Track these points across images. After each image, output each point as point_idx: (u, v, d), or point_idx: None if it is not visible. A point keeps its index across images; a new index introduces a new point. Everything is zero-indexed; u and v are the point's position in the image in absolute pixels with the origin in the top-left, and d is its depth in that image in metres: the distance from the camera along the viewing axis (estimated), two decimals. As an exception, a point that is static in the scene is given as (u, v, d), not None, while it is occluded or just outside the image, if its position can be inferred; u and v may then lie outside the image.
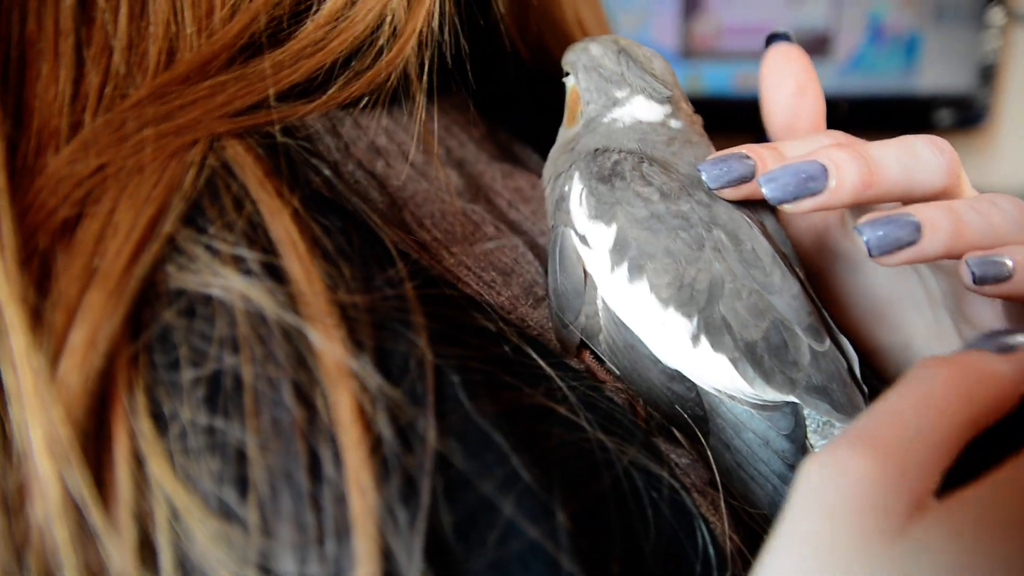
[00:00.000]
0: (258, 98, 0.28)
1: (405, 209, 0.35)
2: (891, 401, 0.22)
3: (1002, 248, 0.27)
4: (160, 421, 0.22)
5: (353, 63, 0.30)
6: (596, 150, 0.31)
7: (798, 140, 0.31)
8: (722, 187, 0.29)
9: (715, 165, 0.29)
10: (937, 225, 0.27)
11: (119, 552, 0.21)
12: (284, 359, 0.22)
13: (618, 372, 0.31)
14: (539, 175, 0.44)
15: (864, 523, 0.20)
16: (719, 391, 0.29)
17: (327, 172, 0.29)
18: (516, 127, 0.46)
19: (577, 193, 0.31)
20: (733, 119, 0.83)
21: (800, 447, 0.29)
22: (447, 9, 0.31)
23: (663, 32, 1.12)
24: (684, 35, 1.12)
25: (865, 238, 0.27)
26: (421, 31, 0.30)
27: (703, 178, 0.29)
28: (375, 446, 0.22)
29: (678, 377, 0.29)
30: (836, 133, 0.31)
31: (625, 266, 0.29)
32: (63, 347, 0.22)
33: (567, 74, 0.34)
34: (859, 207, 0.32)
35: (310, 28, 0.29)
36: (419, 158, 0.37)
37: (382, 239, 0.27)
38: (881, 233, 0.27)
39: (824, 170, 0.27)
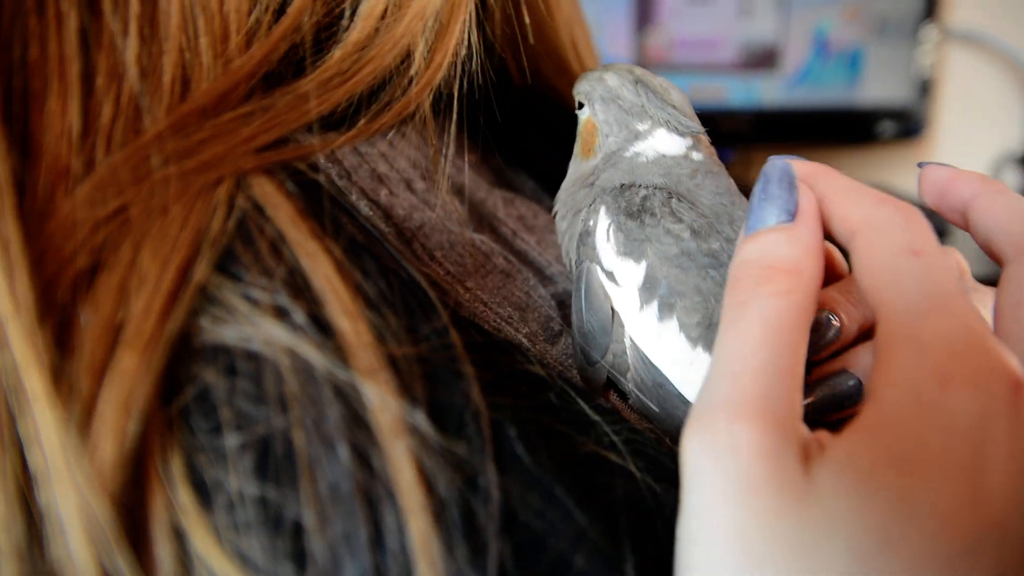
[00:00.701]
0: (286, 131, 0.26)
1: (415, 241, 0.33)
2: (724, 355, 0.22)
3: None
4: (202, 492, 0.21)
5: (382, 94, 0.29)
6: (622, 185, 0.31)
7: None
8: None
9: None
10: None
11: None
12: (339, 419, 0.21)
13: (645, 412, 0.30)
14: (535, 201, 0.43)
15: (771, 486, 0.19)
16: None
17: (365, 209, 0.27)
18: (509, 152, 0.45)
19: (604, 228, 0.30)
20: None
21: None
22: (472, 38, 0.30)
23: (616, 44, 1.13)
24: (637, 48, 1.13)
25: None
26: (451, 60, 0.29)
27: None
28: (439, 510, 0.21)
29: (707, 414, 0.29)
30: None
31: (655, 304, 0.29)
32: (92, 415, 0.20)
33: (580, 105, 0.34)
34: None
35: (337, 57, 0.27)
36: (420, 185, 0.36)
37: (418, 281, 0.25)
38: None
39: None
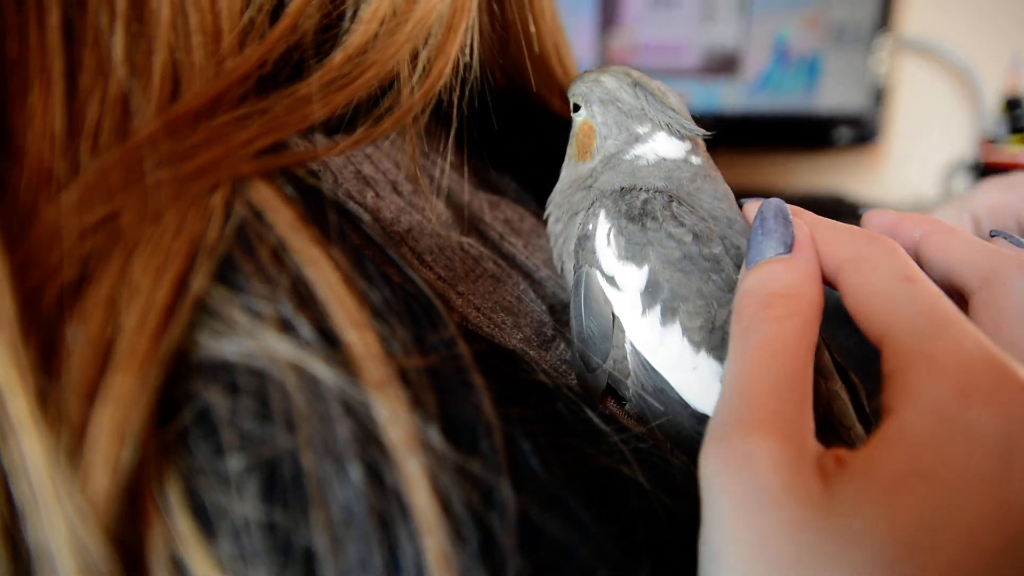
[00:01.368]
0: (285, 135, 0.25)
1: (403, 244, 0.32)
2: (733, 377, 0.23)
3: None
4: (203, 519, 0.19)
5: (381, 99, 0.28)
6: (622, 188, 0.30)
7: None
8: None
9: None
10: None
11: None
12: (349, 436, 0.20)
13: (645, 418, 0.30)
14: (519, 204, 0.42)
15: (790, 497, 0.20)
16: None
17: (364, 216, 0.26)
18: (490, 155, 0.44)
19: (604, 232, 0.29)
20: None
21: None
22: (475, 45, 0.29)
23: (580, 47, 1.13)
24: (600, 50, 1.13)
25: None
26: (454, 66, 0.28)
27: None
28: (456, 528, 0.20)
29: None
30: None
31: (658, 309, 0.29)
32: (83, 441, 0.19)
33: (576, 108, 0.33)
34: None
35: (338, 60, 0.26)
36: (406, 188, 0.35)
37: (423, 289, 0.24)
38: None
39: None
